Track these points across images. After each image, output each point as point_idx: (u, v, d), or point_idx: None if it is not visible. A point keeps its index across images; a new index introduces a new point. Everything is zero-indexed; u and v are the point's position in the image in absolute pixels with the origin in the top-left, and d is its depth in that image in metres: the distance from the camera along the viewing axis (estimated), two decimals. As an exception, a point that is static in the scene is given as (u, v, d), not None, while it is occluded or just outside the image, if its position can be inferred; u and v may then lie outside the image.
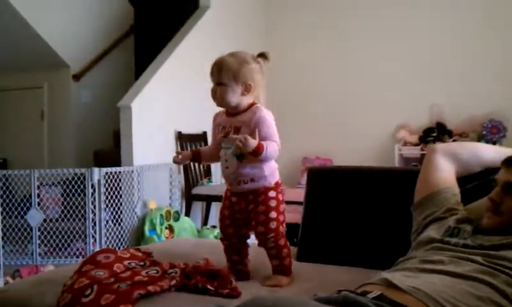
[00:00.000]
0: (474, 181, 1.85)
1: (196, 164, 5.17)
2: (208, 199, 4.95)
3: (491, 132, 5.19)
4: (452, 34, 5.57)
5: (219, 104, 1.89)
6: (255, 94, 1.90)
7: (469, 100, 5.42)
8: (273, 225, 1.83)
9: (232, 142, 1.77)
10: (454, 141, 5.15)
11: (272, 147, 1.81)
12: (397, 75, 5.83)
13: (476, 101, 5.38)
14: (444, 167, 1.81)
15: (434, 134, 5.39)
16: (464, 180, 1.84)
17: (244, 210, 1.89)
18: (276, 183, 1.89)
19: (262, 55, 1.93)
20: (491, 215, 1.53)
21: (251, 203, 1.87)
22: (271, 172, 1.88)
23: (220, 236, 1.99)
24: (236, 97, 1.85)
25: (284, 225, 1.87)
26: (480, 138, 5.17)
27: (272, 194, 1.86)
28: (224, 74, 1.83)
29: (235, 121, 1.88)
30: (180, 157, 1.98)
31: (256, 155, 1.77)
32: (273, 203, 1.85)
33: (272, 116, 1.88)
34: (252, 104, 1.89)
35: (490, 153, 1.86)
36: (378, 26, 5.93)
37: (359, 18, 6.03)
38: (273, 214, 1.84)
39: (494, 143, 4.90)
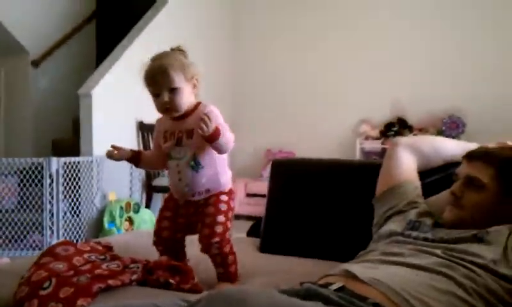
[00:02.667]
0: (435, 175, 1.88)
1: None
2: (169, 191, 4.91)
3: (450, 128, 5.29)
4: (413, 30, 5.65)
5: (173, 112, 1.72)
6: (196, 92, 1.76)
7: (429, 95, 5.52)
8: (219, 229, 1.72)
9: (198, 126, 1.61)
10: (414, 135, 5.23)
11: (228, 135, 1.68)
12: (359, 69, 5.89)
13: (436, 97, 5.48)
14: (406, 161, 1.82)
15: (395, 129, 5.47)
16: (425, 173, 1.86)
17: (191, 214, 1.80)
18: (230, 190, 1.80)
19: (181, 50, 1.79)
20: (452, 209, 1.55)
21: (200, 206, 1.78)
22: (226, 181, 1.79)
23: (154, 240, 1.85)
24: (188, 99, 1.72)
25: (230, 233, 1.76)
26: (440, 133, 5.27)
27: (224, 198, 1.77)
28: (175, 77, 1.68)
29: (186, 124, 1.73)
30: (116, 152, 1.84)
31: (213, 139, 1.63)
32: (223, 207, 1.75)
33: (218, 111, 1.72)
34: (198, 103, 1.75)
35: (451, 147, 1.88)
36: (340, 21, 5.99)
37: (320, 13, 6.08)
38: (221, 218, 1.73)
39: (453, 138, 4.99)
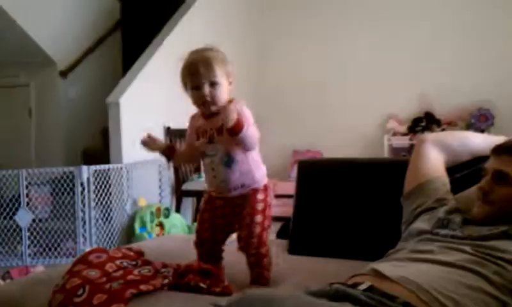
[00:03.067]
0: (463, 170, 1.86)
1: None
2: (199, 195, 4.92)
3: (479, 121, 5.22)
4: (440, 24, 5.59)
5: (211, 108, 1.71)
6: (231, 89, 1.76)
7: (457, 89, 5.45)
8: (257, 229, 1.73)
9: (225, 116, 1.61)
10: (442, 130, 5.18)
11: (252, 130, 1.66)
12: (386, 65, 5.85)
13: (464, 90, 5.41)
14: (433, 157, 1.81)
15: (423, 124, 5.42)
16: (453, 169, 1.84)
17: (228, 214, 1.81)
18: (265, 186, 1.80)
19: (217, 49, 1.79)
20: (481, 204, 1.54)
21: (237, 206, 1.79)
22: (261, 176, 1.79)
23: (195, 240, 1.88)
24: (225, 95, 1.72)
25: (268, 231, 1.78)
26: (468, 127, 5.21)
27: (260, 196, 1.77)
28: (218, 70, 1.68)
29: (216, 121, 1.72)
30: (148, 138, 1.84)
31: (236, 131, 1.62)
32: (260, 206, 1.76)
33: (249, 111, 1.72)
34: (230, 101, 1.72)
35: (479, 141, 1.86)
36: (366, 17, 5.95)
37: (346, 9, 6.04)
38: (258, 218, 1.74)
39: (482, 131, 4.93)
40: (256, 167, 1.78)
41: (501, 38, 5.31)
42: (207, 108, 1.73)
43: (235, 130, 1.63)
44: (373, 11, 5.90)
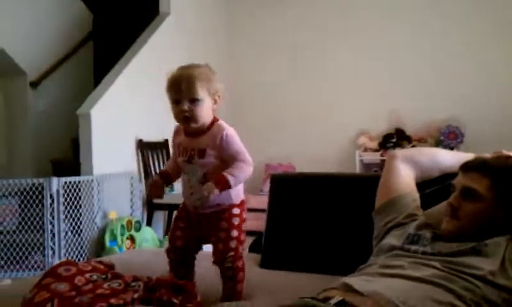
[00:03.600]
0: (433, 187, 1.89)
1: (158, 172, 5.12)
2: (170, 208, 4.90)
3: (448, 138, 5.31)
4: (411, 41, 5.68)
5: (191, 124, 1.71)
6: (216, 108, 1.76)
7: (427, 106, 5.54)
8: (233, 244, 1.74)
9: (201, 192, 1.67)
10: (413, 146, 5.24)
11: (240, 171, 1.69)
12: (357, 81, 5.92)
13: (434, 107, 5.50)
14: (404, 173, 1.83)
15: (394, 140, 5.49)
16: (423, 185, 1.87)
17: (204, 227, 1.81)
18: (241, 201, 1.80)
19: (208, 67, 1.79)
20: (449, 220, 1.56)
21: (213, 219, 1.78)
22: (237, 193, 1.79)
23: (167, 247, 1.87)
24: (208, 113, 1.72)
25: (243, 245, 1.79)
26: (438, 143, 5.29)
27: (236, 211, 1.77)
28: (199, 87, 1.68)
29: (199, 142, 1.73)
30: (155, 190, 1.86)
31: (226, 189, 1.68)
32: (236, 221, 1.76)
33: (235, 132, 1.75)
34: (214, 121, 1.75)
35: (448, 158, 1.90)
36: (338, 33, 6.01)
37: (318, 25, 6.10)
38: (234, 233, 1.75)
39: (452, 149, 5.01)
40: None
41: (471, 56, 5.42)
42: (187, 124, 1.73)
43: (225, 189, 1.67)
44: (346, 27, 5.97)
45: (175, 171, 1.87)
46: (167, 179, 1.88)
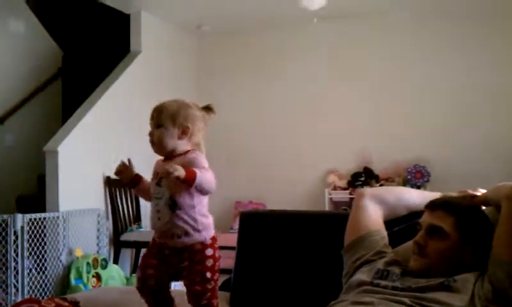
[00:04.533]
0: (401, 224, 1.91)
1: (125, 209, 5.07)
2: (138, 246, 4.84)
3: (415, 177, 5.40)
4: (379, 81, 5.81)
5: (157, 148, 1.81)
6: (195, 141, 1.82)
7: (395, 145, 5.65)
8: (209, 285, 1.73)
9: (163, 174, 1.68)
10: (380, 185, 5.32)
11: (207, 175, 1.70)
12: (325, 121, 6.00)
13: (402, 147, 5.61)
14: (372, 211, 1.86)
15: (362, 179, 5.56)
16: (391, 223, 1.89)
17: (175, 264, 1.77)
18: (213, 239, 1.78)
19: (207, 108, 1.90)
20: (417, 258, 1.58)
21: (185, 260, 1.75)
22: (206, 226, 1.77)
23: (138, 286, 1.83)
24: (173, 141, 1.78)
25: (217, 283, 1.78)
26: (405, 182, 5.37)
27: (209, 252, 1.75)
28: (163, 116, 1.78)
29: (169, 165, 1.72)
30: (123, 166, 1.86)
31: (190, 181, 1.65)
32: (210, 263, 1.74)
33: (205, 160, 1.78)
34: (188, 151, 1.79)
35: (415, 196, 1.93)
36: (305, 73, 6.12)
37: (286, 67, 6.22)
38: (209, 274, 1.73)
39: (418, 187, 5.09)
40: (201, 215, 1.76)
41: (438, 96, 5.57)
42: (152, 147, 1.81)
43: (188, 180, 1.65)
44: (313, 68, 6.08)
45: (146, 187, 1.87)
46: (136, 178, 1.89)
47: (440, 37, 5.61)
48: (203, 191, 1.72)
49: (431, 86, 5.61)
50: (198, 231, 1.75)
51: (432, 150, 5.52)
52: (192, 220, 1.73)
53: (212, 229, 1.80)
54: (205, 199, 1.78)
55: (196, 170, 1.68)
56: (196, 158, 1.75)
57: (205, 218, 1.77)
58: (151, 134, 1.81)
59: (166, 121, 1.78)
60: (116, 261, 4.84)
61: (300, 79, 6.15)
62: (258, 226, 2.29)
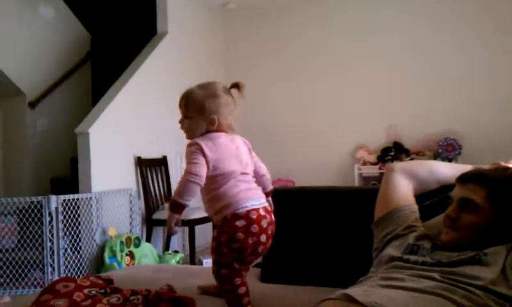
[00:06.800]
0: (432, 198, 1.89)
1: (156, 188, 5.13)
2: (170, 224, 4.89)
3: (446, 150, 5.32)
4: (409, 55, 5.72)
5: (187, 136, 1.87)
6: (226, 123, 1.85)
7: (425, 119, 5.56)
8: (213, 267, 1.78)
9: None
10: (411, 159, 5.25)
11: (179, 185, 1.71)
12: (355, 96, 5.95)
13: (432, 120, 5.52)
14: (402, 186, 1.84)
15: (392, 153, 5.50)
16: (422, 197, 1.88)
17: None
18: (224, 219, 1.77)
19: (236, 86, 1.90)
20: (448, 231, 1.56)
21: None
22: (220, 209, 1.77)
23: None
24: (201, 131, 1.82)
25: (224, 262, 1.75)
26: (436, 156, 5.30)
27: (214, 233, 1.80)
28: (190, 108, 1.82)
29: None
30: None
31: (176, 207, 1.70)
32: (214, 244, 1.78)
33: (196, 143, 1.76)
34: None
35: (446, 170, 1.90)
36: (336, 48, 6.05)
37: (315, 42, 6.15)
38: (213, 256, 1.78)
39: (450, 161, 5.02)
40: (214, 198, 1.79)
41: (469, 68, 5.46)
42: (186, 135, 1.87)
43: (174, 207, 1.72)
44: (342, 44, 6.01)
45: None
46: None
47: (474, 6, 5.47)
48: (189, 195, 1.71)
49: (463, 59, 5.49)
50: (215, 212, 1.81)
51: (464, 123, 5.42)
52: (209, 201, 1.82)
53: (226, 211, 1.77)
54: (218, 184, 1.78)
55: (173, 195, 1.74)
56: (186, 152, 1.78)
57: (218, 201, 1.78)
58: (181, 122, 1.86)
59: (193, 113, 1.82)
60: (148, 240, 4.92)
61: (329, 55, 6.09)
62: (287, 203, 2.29)
